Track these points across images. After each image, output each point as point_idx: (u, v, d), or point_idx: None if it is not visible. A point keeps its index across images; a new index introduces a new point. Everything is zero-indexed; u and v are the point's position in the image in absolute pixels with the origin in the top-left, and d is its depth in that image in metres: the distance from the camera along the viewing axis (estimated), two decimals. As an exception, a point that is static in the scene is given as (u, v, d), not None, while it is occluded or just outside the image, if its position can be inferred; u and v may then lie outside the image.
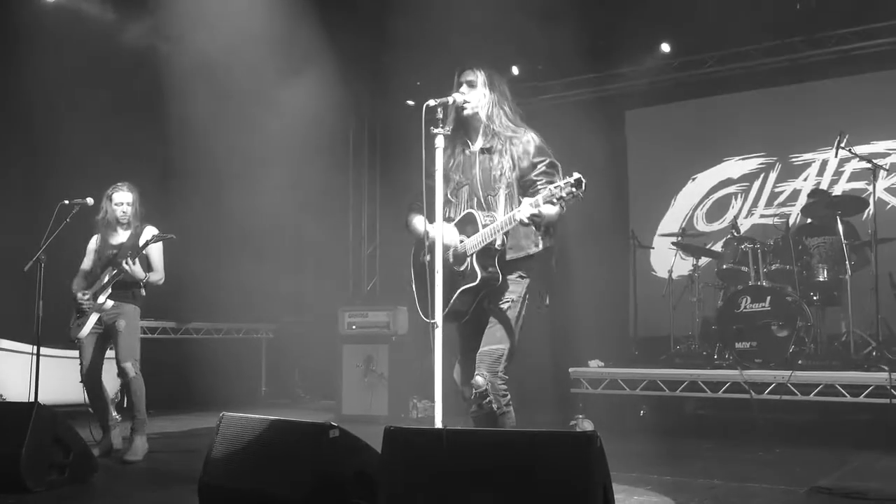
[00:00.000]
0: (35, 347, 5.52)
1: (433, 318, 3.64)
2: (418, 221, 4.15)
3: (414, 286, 4.17)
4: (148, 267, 6.03)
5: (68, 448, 4.91)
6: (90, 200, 5.96)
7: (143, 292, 6.09)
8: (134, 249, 5.86)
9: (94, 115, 7.95)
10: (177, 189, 8.54)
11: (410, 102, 10.19)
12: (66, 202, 5.88)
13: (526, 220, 3.66)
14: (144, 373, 6.04)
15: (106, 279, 5.88)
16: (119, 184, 6.14)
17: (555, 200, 3.53)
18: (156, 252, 6.07)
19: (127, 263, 5.76)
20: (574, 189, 3.48)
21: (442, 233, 3.80)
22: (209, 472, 3.77)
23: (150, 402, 6.10)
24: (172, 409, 8.78)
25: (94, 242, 6.19)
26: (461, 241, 3.94)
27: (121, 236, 6.09)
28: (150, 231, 6.01)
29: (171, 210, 8.16)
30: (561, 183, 3.52)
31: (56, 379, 6.83)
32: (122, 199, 6.09)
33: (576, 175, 3.50)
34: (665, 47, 9.48)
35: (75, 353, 6.11)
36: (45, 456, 4.77)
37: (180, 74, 8.26)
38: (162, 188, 8.29)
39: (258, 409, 4.55)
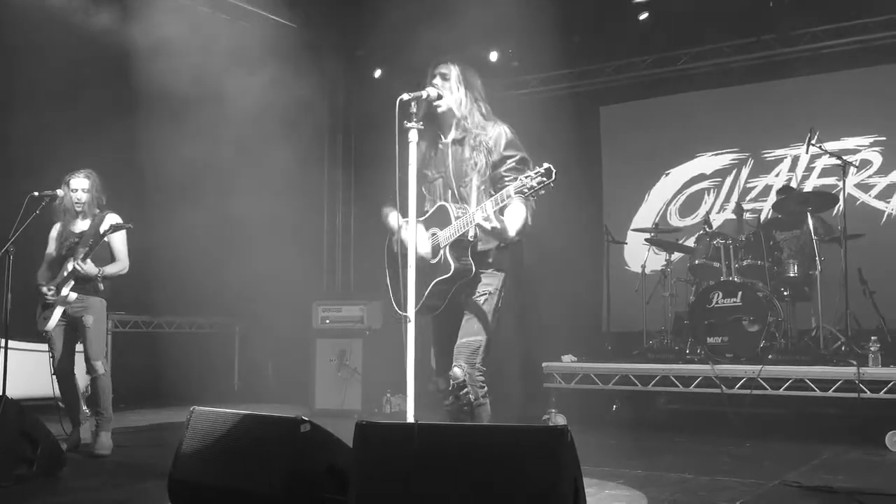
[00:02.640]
0: (2, 341, 5.45)
1: (405, 311, 3.65)
2: (393, 217, 4.16)
3: (388, 279, 4.17)
4: (111, 256, 5.94)
5: (36, 442, 4.86)
6: (60, 192, 5.89)
7: (101, 286, 5.92)
8: (95, 239, 5.75)
9: (63, 105, 7.86)
10: (148, 183, 8.47)
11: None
12: (36, 194, 5.80)
13: (485, 226, 3.67)
14: (116, 367, 6.02)
15: (67, 271, 5.79)
16: (79, 170, 6.01)
17: (525, 190, 3.52)
18: (118, 241, 5.96)
19: (78, 265, 5.67)
20: (544, 179, 3.48)
21: (416, 232, 3.81)
22: (179, 466, 3.74)
23: (121, 397, 6.06)
24: (144, 404, 8.72)
25: (55, 230, 6.06)
26: (433, 234, 3.95)
27: (82, 224, 5.97)
28: (110, 219, 5.90)
29: (143, 203, 8.09)
30: (531, 173, 3.52)
31: (24, 372, 6.74)
32: (78, 185, 5.95)
33: (546, 165, 3.50)
34: (639, 44, 9.51)
35: (43, 346, 6.05)
36: (13, 450, 4.73)
37: (148, 63, 8.17)
38: (133, 182, 8.22)
39: (230, 404, 4.54)
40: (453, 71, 4.08)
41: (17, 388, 5.71)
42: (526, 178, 3.53)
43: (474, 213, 3.75)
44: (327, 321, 8.72)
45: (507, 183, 3.85)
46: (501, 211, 3.76)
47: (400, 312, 3.81)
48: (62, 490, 4.77)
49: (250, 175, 9.06)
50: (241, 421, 3.64)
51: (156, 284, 8.67)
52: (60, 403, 6.08)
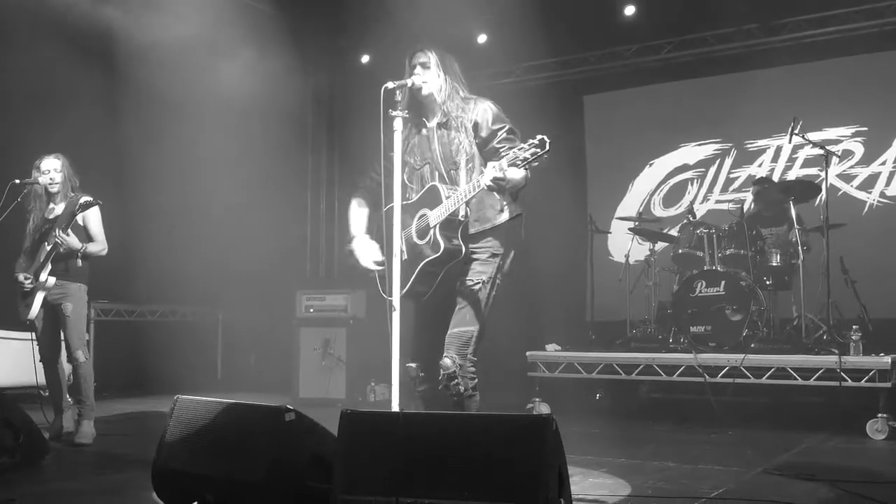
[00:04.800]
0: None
1: (391, 296, 3.63)
2: (354, 216, 4.22)
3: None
4: (87, 238, 5.85)
5: (18, 431, 4.82)
6: (42, 180, 5.83)
7: (80, 263, 5.82)
8: (69, 218, 5.66)
9: (37, 92, 7.79)
10: (131, 170, 8.41)
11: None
12: (17, 182, 5.75)
13: (490, 185, 3.60)
14: (98, 355, 5.96)
15: (44, 256, 5.68)
16: (47, 153, 5.92)
17: (519, 162, 3.49)
18: (94, 222, 5.87)
19: (58, 236, 5.58)
20: (538, 150, 3.44)
21: (399, 219, 3.78)
22: (163, 455, 3.72)
23: (104, 385, 6.02)
24: (127, 393, 8.68)
25: (31, 221, 5.97)
26: (422, 216, 3.92)
27: (57, 209, 5.88)
28: (86, 203, 5.82)
29: (125, 191, 8.04)
30: (524, 144, 3.48)
31: (5, 361, 6.71)
32: (49, 167, 5.86)
33: (539, 136, 3.47)
34: (623, 33, 9.52)
35: (25, 334, 5.99)
36: (-6, 439, 4.70)
37: (126, 50, 8.12)
38: (115, 169, 8.16)
39: (213, 393, 4.52)
40: (432, 57, 4.07)
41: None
42: (519, 149, 3.48)
43: (481, 176, 3.65)
44: (311, 310, 8.70)
45: (502, 154, 3.82)
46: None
47: (385, 296, 3.81)
48: (45, 479, 4.75)
49: (233, 163, 9.03)
50: (225, 410, 3.62)
51: (138, 273, 8.63)
52: (42, 392, 6.04)
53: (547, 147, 3.43)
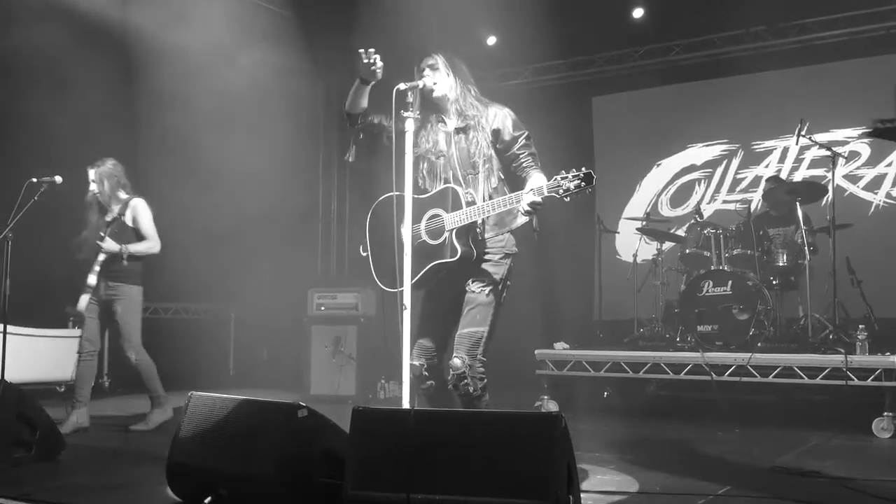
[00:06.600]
0: (1, 326, 5.49)
1: (396, 287, 3.63)
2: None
3: (370, 252, 4.17)
4: (138, 238, 6.06)
5: (34, 426, 4.88)
6: (58, 179, 5.90)
7: (125, 263, 6.04)
8: (104, 227, 5.84)
9: (63, 91, 7.86)
10: (145, 168, 8.47)
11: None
12: (34, 180, 5.83)
13: (528, 209, 3.65)
14: (112, 353, 6.02)
15: (96, 260, 5.95)
16: (95, 161, 6.15)
17: (561, 191, 3.55)
18: (144, 220, 6.12)
19: (98, 244, 5.74)
20: (583, 182, 3.51)
21: (411, 210, 3.78)
22: (177, 451, 3.77)
23: (119, 382, 6.08)
24: (140, 389, 8.73)
25: (87, 230, 6.17)
26: (434, 216, 3.97)
27: (113, 213, 6.12)
28: (133, 204, 6.03)
29: (141, 190, 8.10)
30: (569, 174, 3.55)
31: (23, 357, 6.77)
32: (91, 177, 6.13)
33: (586, 169, 3.52)
34: (631, 35, 9.56)
35: (43, 331, 6.11)
36: (11, 433, 4.75)
37: (146, 52, 8.17)
38: (130, 167, 8.22)
39: (226, 390, 4.55)
40: (440, 60, 4.13)
41: (17, 373, 5.76)
42: (563, 178, 3.55)
43: (522, 194, 3.71)
44: (322, 308, 8.77)
45: (522, 160, 3.98)
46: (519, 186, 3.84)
47: (383, 286, 3.88)
48: (61, 473, 4.80)
49: (245, 162, 9.08)
50: (239, 406, 3.67)
51: (152, 270, 8.67)
52: (58, 388, 6.12)
53: (593, 182, 3.50)
